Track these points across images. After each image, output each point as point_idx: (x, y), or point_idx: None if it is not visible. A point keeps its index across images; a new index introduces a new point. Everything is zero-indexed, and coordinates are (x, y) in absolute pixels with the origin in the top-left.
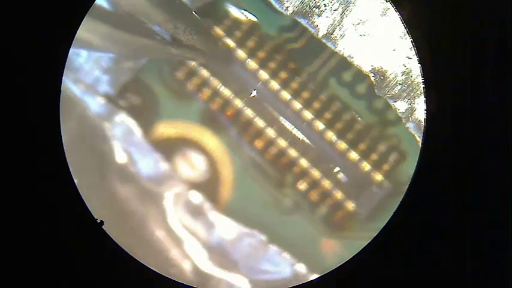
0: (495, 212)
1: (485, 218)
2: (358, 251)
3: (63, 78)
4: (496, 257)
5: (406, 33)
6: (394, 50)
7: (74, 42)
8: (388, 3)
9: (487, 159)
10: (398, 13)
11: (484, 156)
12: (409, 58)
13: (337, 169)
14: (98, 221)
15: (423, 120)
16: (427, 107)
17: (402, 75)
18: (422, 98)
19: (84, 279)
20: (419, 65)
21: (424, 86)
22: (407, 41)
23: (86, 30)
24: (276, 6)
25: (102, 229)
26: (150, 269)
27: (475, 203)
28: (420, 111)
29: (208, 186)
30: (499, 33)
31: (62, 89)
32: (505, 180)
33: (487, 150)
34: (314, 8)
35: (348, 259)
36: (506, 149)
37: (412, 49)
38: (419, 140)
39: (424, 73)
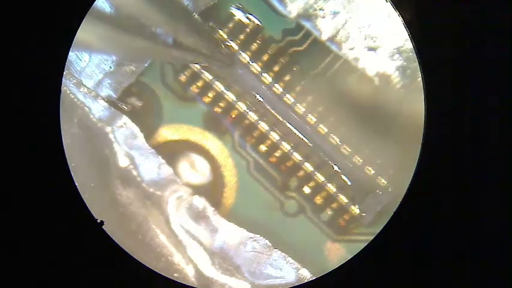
0: (495, 212)
1: (485, 218)
2: (359, 251)
3: (65, 81)
4: (496, 257)
5: (409, 35)
6: (399, 52)
7: (73, 44)
8: (391, 6)
9: (487, 159)
10: (400, 16)
11: (484, 156)
12: (413, 60)
13: (336, 168)
14: (98, 221)
15: (424, 122)
16: (426, 107)
17: (407, 79)
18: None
19: (85, 280)
20: (420, 66)
21: (424, 86)
22: (411, 42)
23: (86, 32)
24: (280, 9)
25: (102, 229)
26: (150, 269)
27: (475, 203)
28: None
29: (212, 190)
30: (499, 34)
31: (63, 93)
32: (505, 180)
33: (487, 151)
34: (318, 11)
35: (348, 259)
36: (506, 150)
37: (415, 50)
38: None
39: (424, 74)
